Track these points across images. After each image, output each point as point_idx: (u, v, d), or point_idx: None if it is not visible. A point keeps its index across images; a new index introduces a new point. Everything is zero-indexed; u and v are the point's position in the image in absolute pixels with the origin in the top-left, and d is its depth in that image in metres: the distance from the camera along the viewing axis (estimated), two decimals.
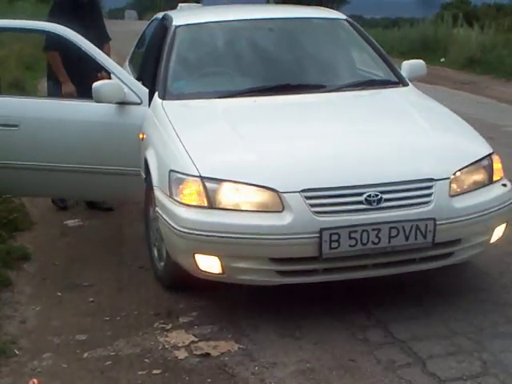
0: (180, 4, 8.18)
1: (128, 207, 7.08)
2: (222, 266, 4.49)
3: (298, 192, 4.34)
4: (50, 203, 7.36)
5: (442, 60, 20.37)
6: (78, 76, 6.81)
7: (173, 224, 4.53)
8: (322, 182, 4.42)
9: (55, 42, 6.58)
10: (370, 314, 4.69)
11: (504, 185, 4.90)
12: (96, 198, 6.85)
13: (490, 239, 4.85)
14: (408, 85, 6.11)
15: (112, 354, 4.36)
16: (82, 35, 6.00)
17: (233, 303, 4.95)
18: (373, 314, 4.69)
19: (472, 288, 5.09)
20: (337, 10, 41.25)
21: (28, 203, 7.27)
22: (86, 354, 4.37)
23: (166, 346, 4.40)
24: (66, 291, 5.31)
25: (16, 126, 5.88)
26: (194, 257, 4.54)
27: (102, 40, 7.10)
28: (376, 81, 6.18)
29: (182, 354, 4.31)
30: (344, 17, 6.79)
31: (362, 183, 4.43)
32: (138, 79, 6.21)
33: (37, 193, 6.60)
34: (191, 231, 4.42)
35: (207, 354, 4.29)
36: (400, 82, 6.11)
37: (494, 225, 4.82)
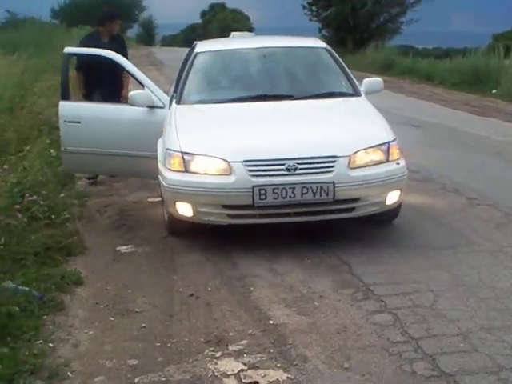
0: (232, 32, 10.35)
1: (180, 236, 7.19)
2: (192, 210, 6.63)
3: (241, 162, 6.47)
4: (103, 229, 7.54)
5: (494, 92, 20.24)
6: (104, 87, 8.91)
7: (164, 183, 6.78)
8: (256, 155, 6.53)
9: (82, 65, 9.40)
10: (418, 347, 4.71)
11: (397, 163, 6.79)
12: (133, 175, 8.96)
13: (385, 201, 6.76)
14: (361, 95, 7.97)
15: (163, 379, 4.45)
16: (102, 63, 8.56)
17: (282, 333, 5.01)
18: (420, 346, 4.72)
19: None
20: (389, 40, 40.96)
21: (82, 228, 7.42)
22: (137, 379, 4.46)
23: (216, 374, 4.47)
24: (118, 316, 5.42)
25: (79, 122, 8.05)
26: (175, 204, 6.72)
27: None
28: (335, 92, 8.11)
29: (231, 382, 4.38)
30: (324, 46, 8.87)
31: (284, 157, 6.48)
32: (174, 92, 8.18)
33: (94, 171, 9.11)
34: (173, 187, 6.65)
35: (256, 383, 4.35)
36: (355, 93, 8.00)
37: (386, 190, 6.72)
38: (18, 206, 7.09)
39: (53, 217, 7.26)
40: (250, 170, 6.43)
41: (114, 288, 5.99)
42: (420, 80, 25.77)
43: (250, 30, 61.55)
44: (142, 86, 8.11)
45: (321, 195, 6.40)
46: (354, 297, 5.60)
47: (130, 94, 7.93)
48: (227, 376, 4.45)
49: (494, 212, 7.83)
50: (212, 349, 4.80)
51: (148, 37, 67.73)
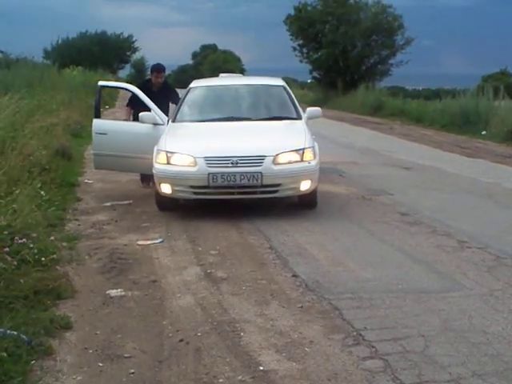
0: (221, 74, 14.48)
1: (170, 280, 7.18)
2: (171, 189, 10.05)
3: (202, 157, 9.77)
4: (93, 272, 7.49)
5: (484, 133, 20.38)
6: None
7: (154, 171, 10.21)
8: (212, 153, 9.83)
9: (131, 102, 12.71)
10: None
11: (309, 163, 9.95)
12: (142, 171, 11.91)
13: (299, 187, 9.99)
14: (301, 119, 11.28)
15: None
16: (155, 102, 11.63)
17: (272, 380, 4.96)
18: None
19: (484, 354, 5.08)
20: (379, 82, 41.18)
21: (71, 272, 7.38)
22: None
23: None
24: (106, 362, 5.35)
25: (106, 133, 11.39)
26: (160, 185, 10.14)
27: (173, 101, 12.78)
28: (282, 117, 11.44)
29: None
30: (282, 84, 12.43)
31: (230, 155, 9.74)
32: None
33: (115, 169, 12.30)
34: (159, 173, 10.12)
35: None
36: (297, 118, 11.36)
37: (299, 180, 9.92)
38: (7, 249, 7.05)
39: (42, 260, 7.21)
40: (208, 163, 9.74)
41: (103, 332, 5.92)
42: (410, 121, 25.95)
43: (242, 71, 61.98)
44: (149, 109, 11.43)
45: (253, 181, 9.72)
46: (344, 342, 5.56)
47: (140, 114, 11.40)
48: None
49: (484, 255, 7.84)
50: None
51: (140, 78, 68.06)
